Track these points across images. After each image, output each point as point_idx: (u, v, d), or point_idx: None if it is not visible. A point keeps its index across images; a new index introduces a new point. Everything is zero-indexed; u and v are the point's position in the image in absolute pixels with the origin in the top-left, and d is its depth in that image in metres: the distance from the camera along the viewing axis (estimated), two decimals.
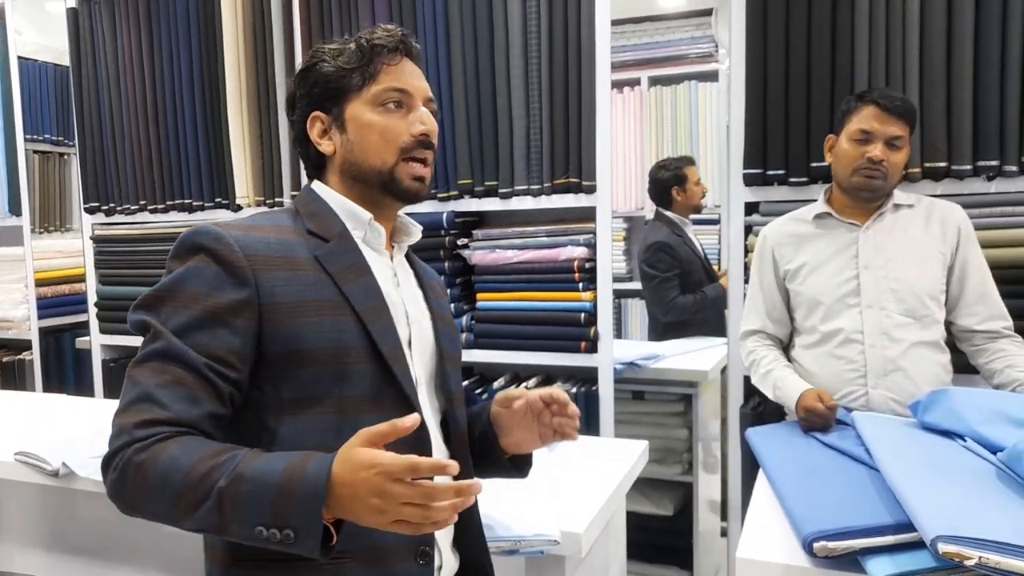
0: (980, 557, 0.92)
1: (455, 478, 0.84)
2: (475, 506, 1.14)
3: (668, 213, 3.18)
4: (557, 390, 1.12)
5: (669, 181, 3.17)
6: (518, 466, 1.22)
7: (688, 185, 3.20)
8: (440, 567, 1.06)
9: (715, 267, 4.37)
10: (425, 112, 1.08)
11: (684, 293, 3.02)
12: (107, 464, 0.91)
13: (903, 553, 1.02)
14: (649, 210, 4.45)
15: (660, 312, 3.07)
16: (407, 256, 1.20)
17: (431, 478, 0.82)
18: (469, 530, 1.14)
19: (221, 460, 0.86)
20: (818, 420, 1.60)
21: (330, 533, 0.85)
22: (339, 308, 1.00)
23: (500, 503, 1.41)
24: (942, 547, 0.94)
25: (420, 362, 1.09)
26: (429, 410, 1.09)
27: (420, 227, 1.17)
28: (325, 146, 1.09)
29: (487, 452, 1.19)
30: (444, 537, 1.09)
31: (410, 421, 0.83)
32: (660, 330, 3.11)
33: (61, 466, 1.72)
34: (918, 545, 1.01)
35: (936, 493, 1.08)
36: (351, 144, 1.07)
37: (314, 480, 0.82)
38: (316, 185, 1.12)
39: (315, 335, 0.97)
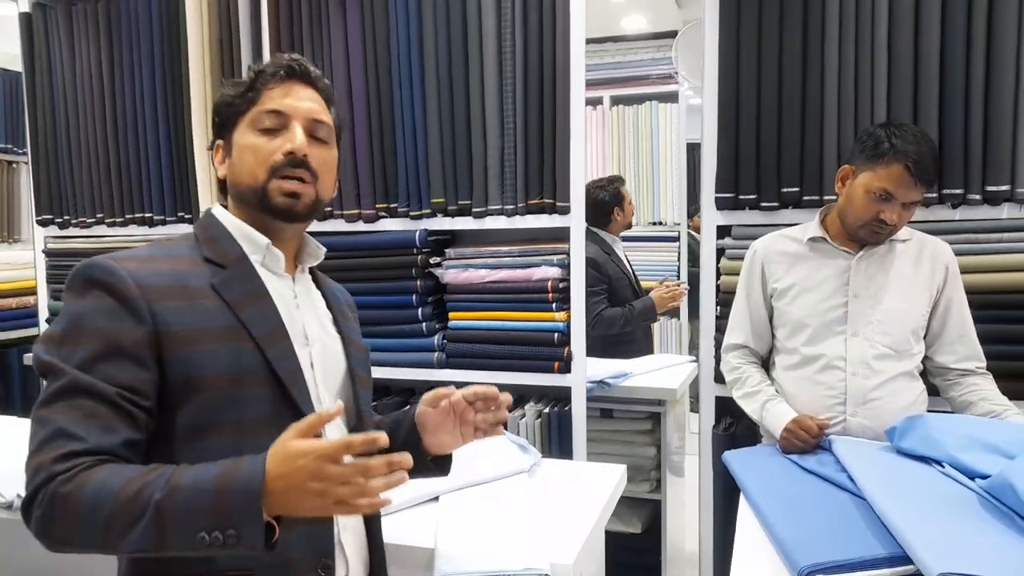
0: None
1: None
2: (379, 522, 1.20)
3: (600, 232, 3.23)
4: (486, 387, 1.16)
5: (610, 203, 3.23)
6: (440, 465, 1.27)
7: (624, 204, 3.29)
8: None
9: (668, 282, 4.45)
10: (299, 131, 1.09)
11: (611, 307, 3.07)
12: (29, 505, 0.90)
13: None
14: None
15: (594, 323, 3.08)
16: (314, 276, 1.23)
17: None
18: (375, 541, 1.18)
19: (151, 477, 0.87)
20: (804, 439, 1.62)
21: (273, 530, 0.87)
22: (236, 335, 1.02)
23: (487, 535, 1.39)
24: None
25: (325, 383, 1.12)
26: (336, 432, 1.13)
27: (324, 249, 1.20)
28: (220, 170, 1.15)
29: (411, 454, 1.20)
30: (355, 551, 1.12)
31: (335, 409, 0.88)
32: (600, 347, 3.13)
33: (16, 497, 1.63)
34: None
35: (929, 525, 1.10)
36: (233, 166, 1.11)
37: (248, 477, 0.84)
38: (216, 209, 1.15)
39: (212, 362, 0.99)
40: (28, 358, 3.31)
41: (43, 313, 2.94)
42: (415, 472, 1.16)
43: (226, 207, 1.15)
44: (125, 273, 0.98)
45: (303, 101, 1.11)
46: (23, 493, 1.61)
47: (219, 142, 1.15)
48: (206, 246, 1.09)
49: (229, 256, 1.08)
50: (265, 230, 1.11)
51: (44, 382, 0.97)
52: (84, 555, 1.04)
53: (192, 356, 0.98)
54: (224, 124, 1.14)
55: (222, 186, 1.16)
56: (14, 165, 3.68)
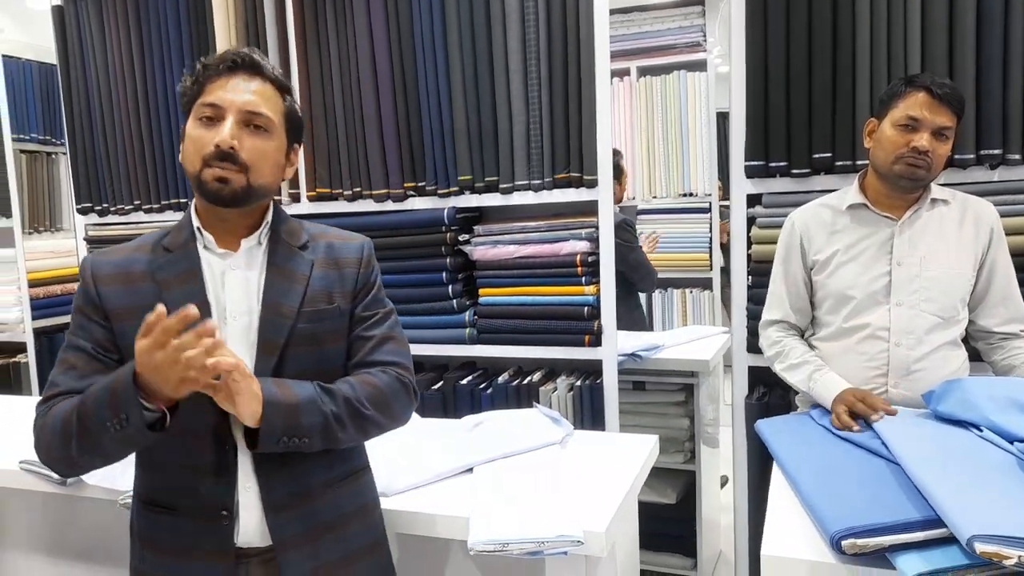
0: (1020, 556, 0.92)
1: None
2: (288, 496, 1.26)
3: None
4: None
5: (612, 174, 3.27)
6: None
7: (623, 178, 3.34)
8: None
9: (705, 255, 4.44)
10: (229, 124, 1.18)
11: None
12: (33, 438, 1.19)
13: (933, 549, 1.03)
14: (641, 200, 4.48)
15: (648, 276, 3.23)
16: (281, 242, 1.28)
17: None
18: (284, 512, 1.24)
19: (82, 396, 1.13)
20: (858, 413, 1.54)
21: (162, 417, 1.10)
22: None
23: (520, 504, 1.42)
24: (979, 547, 0.94)
25: (245, 353, 1.22)
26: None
27: (267, 223, 1.28)
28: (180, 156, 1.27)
29: None
30: (250, 510, 1.22)
31: (157, 311, 1.03)
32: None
33: None
34: (948, 541, 1.02)
35: (963, 489, 1.09)
36: (182, 154, 1.23)
37: (126, 374, 1.08)
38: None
39: (134, 335, 1.10)
40: None
41: None
42: None
43: None
44: (88, 264, 1.25)
45: (240, 94, 1.20)
46: None
47: (183, 128, 1.26)
48: (171, 234, 1.28)
49: (179, 241, 1.26)
50: (211, 212, 1.25)
51: None
52: (125, 534, 1.31)
53: (124, 329, 1.20)
54: (184, 114, 1.25)
55: None
56: (53, 156, 3.77)
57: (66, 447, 1.13)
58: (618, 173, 3.26)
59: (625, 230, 3.11)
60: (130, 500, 1.60)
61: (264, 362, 1.22)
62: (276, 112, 1.23)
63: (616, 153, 3.34)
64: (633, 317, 3.26)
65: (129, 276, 1.23)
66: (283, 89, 1.26)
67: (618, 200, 3.36)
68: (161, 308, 1.04)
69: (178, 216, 2.76)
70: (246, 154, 1.18)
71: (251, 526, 1.22)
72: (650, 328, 3.35)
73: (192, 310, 1.03)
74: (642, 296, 3.66)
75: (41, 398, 1.20)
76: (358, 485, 1.33)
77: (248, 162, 1.18)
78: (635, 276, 3.17)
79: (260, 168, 1.20)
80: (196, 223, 1.25)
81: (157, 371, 1.04)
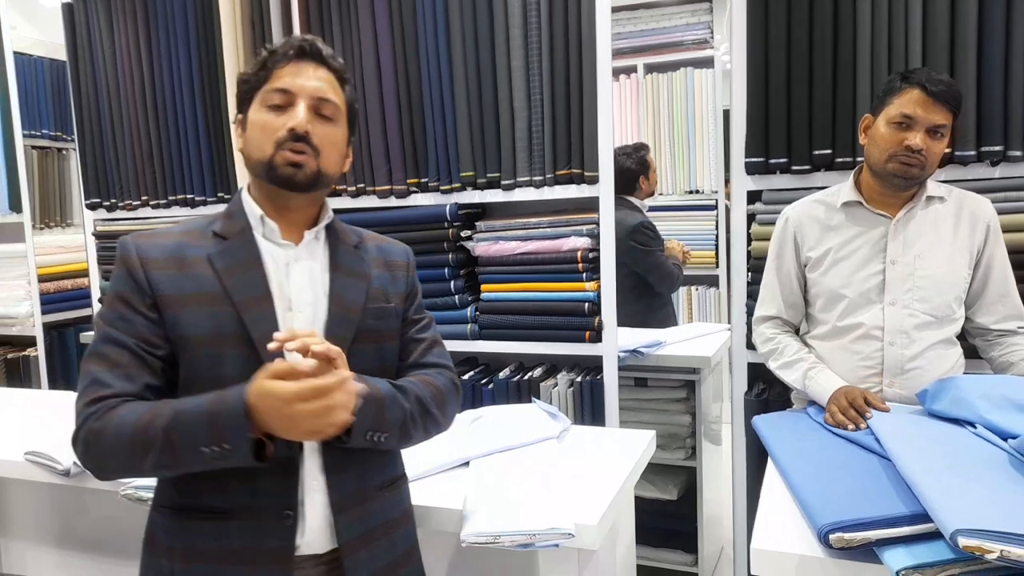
0: (1002, 550, 0.92)
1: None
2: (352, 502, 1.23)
3: (631, 199, 3.22)
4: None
5: (636, 171, 3.22)
6: None
7: (650, 173, 3.27)
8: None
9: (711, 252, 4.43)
10: (301, 109, 1.16)
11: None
12: (75, 442, 1.12)
13: (919, 544, 1.03)
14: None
15: (666, 279, 3.15)
16: (338, 239, 1.28)
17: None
18: (346, 515, 1.21)
19: (160, 408, 1.07)
20: (854, 418, 1.52)
21: (263, 444, 1.06)
22: (219, 300, 1.15)
23: (514, 497, 1.43)
24: (963, 541, 0.94)
25: None
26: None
27: (331, 214, 1.28)
28: (238, 143, 1.24)
29: None
30: (316, 512, 1.18)
31: (306, 364, 1.02)
32: (639, 317, 3.15)
33: (72, 465, 1.73)
34: (935, 536, 1.02)
35: (951, 484, 1.09)
36: (247, 140, 1.20)
37: (234, 404, 1.03)
38: (246, 187, 1.26)
39: (195, 323, 1.13)
40: (84, 337, 3.46)
41: (95, 293, 3.06)
42: None
43: None
44: (133, 247, 1.17)
45: (310, 80, 1.18)
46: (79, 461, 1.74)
47: (239, 116, 1.24)
48: (221, 220, 1.23)
49: (234, 229, 1.21)
50: (275, 201, 1.21)
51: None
52: (129, 524, 1.21)
53: (179, 317, 1.14)
54: (242, 100, 1.22)
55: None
56: (64, 152, 3.81)
57: (136, 459, 1.07)
58: (645, 168, 3.24)
59: (642, 232, 3.05)
60: (131, 492, 1.63)
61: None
62: (340, 101, 1.22)
63: (643, 147, 3.31)
64: (659, 316, 3.19)
65: (183, 261, 1.17)
66: (344, 80, 1.24)
67: (647, 195, 3.31)
68: (313, 362, 1.02)
69: (186, 212, 2.83)
70: (317, 140, 1.17)
71: (316, 527, 1.17)
72: (676, 324, 3.28)
73: (345, 374, 1.03)
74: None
75: (88, 396, 1.11)
76: (401, 491, 1.32)
77: (319, 147, 1.17)
78: (652, 279, 3.12)
79: (329, 155, 1.20)
80: (259, 211, 1.21)
81: (289, 419, 1.01)
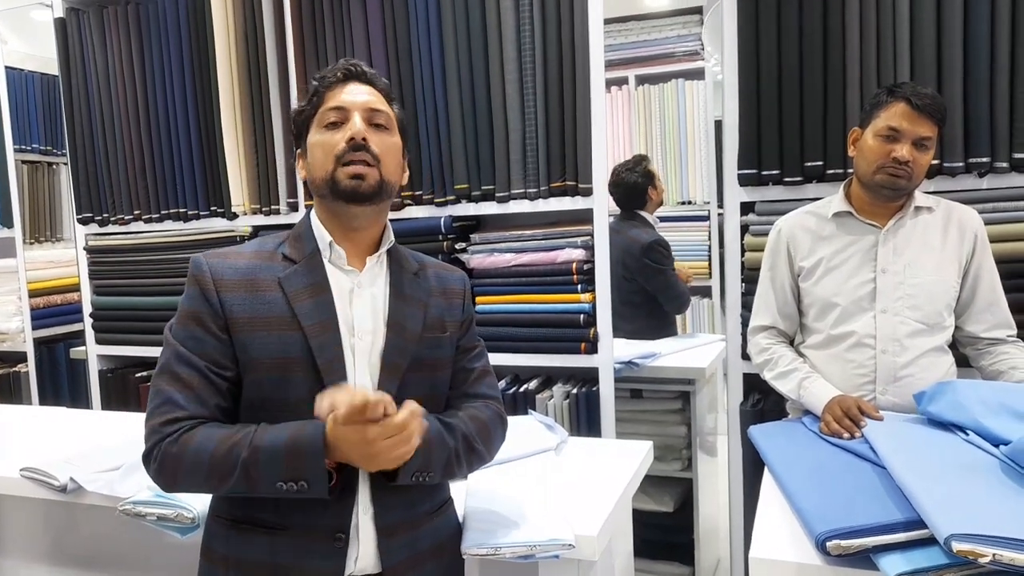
0: (994, 554, 0.94)
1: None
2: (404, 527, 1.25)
3: (643, 213, 3.21)
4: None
5: (643, 183, 3.18)
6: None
7: (656, 182, 3.25)
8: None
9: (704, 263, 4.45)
10: (357, 119, 1.19)
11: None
12: (147, 458, 1.15)
13: (915, 550, 1.04)
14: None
15: (675, 299, 3.13)
16: (399, 265, 1.28)
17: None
18: (393, 539, 1.23)
19: (237, 438, 1.10)
20: (848, 427, 1.53)
21: (332, 477, 1.11)
22: (288, 324, 1.17)
23: (513, 509, 1.43)
24: (956, 545, 0.95)
25: (367, 372, 1.21)
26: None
27: (392, 239, 1.28)
28: (302, 174, 1.26)
29: None
30: (368, 536, 1.20)
31: (371, 411, 1.03)
32: (649, 330, 3.14)
33: (69, 481, 1.72)
34: (930, 542, 1.03)
35: (944, 490, 1.10)
36: (309, 165, 1.23)
37: (310, 443, 1.07)
38: (313, 210, 1.27)
39: (263, 346, 1.15)
40: (75, 352, 3.44)
41: (86, 308, 3.04)
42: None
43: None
44: (207, 267, 1.19)
45: (360, 95, 1.22)
46: (76, 477, 1.74)
47: (299, 151, 1.27)
48: (290, 243, 1.24)
49: (303, 252, 1.22)
50: (341, 221, 1.23)
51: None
52: (124, 540, 1.32)
53: (249, 340, 1.16)
54: (299, 134, 1.26)
55: (307, 189, 1.28)
56: (54, 166, 3.80)
57: (210, 486, 1.13)
58: (650, 178, 3.19)
59: (656, 250, 3.03)
60: (129, 507, 1.62)
61: (387, 384, 1.20)
62: (391, 112, 1.25)
63: (643, 158, 3.26)
64: (667, 334, 3.18)
65: (255, 284, 1.18)
66: (391, 97, 1.28)
67: (658, 205, 3.28)
68: (375, 399, 1.03)
69: (178, 226, 2.83)
70: (375, 147, 1.19)
71: (366, 552, 1.19)
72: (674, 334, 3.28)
73: (414, 406, 1.07)
74: None
75: (161, 416, 1.13)
76: (449, 515, 1.34)
77: (379, 155, 1.19)
78: (662, 298, 3.11)
79: (388, 162, 1.21)
80: (328, 236, 1.22)
81: (371, 456, 1.06)
